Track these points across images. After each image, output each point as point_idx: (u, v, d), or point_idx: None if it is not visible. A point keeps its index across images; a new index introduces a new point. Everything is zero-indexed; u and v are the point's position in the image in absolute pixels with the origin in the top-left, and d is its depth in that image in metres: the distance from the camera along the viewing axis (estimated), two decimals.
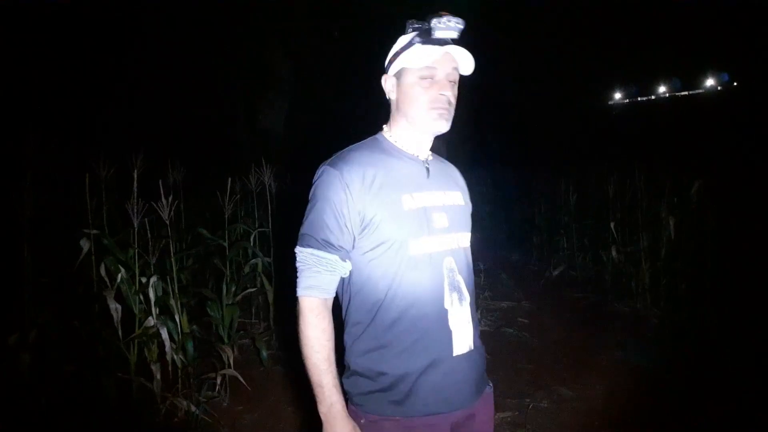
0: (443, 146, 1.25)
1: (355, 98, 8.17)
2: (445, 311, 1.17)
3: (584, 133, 15.24)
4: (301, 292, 1.16)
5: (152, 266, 2.82)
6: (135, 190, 2.73)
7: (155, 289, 2.77)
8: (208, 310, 3.14)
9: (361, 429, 1.15)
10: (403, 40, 1.24)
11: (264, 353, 3.17)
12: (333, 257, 1.15)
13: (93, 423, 2.52)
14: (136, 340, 2.72)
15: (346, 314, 1.22)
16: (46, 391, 2.54)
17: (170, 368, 2.77)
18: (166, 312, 2.83)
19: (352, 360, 1.19)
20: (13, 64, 6.04)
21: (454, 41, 1.20)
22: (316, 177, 1.20)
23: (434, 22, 1.17)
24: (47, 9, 6.55)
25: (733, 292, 3.86)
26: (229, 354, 2.94)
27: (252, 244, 3.88)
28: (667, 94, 35.50)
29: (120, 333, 2.69)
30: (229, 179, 3.51)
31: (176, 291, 2.85)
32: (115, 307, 2.65)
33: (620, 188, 4.97)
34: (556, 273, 5.70)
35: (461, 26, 1.19)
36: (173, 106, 7.96)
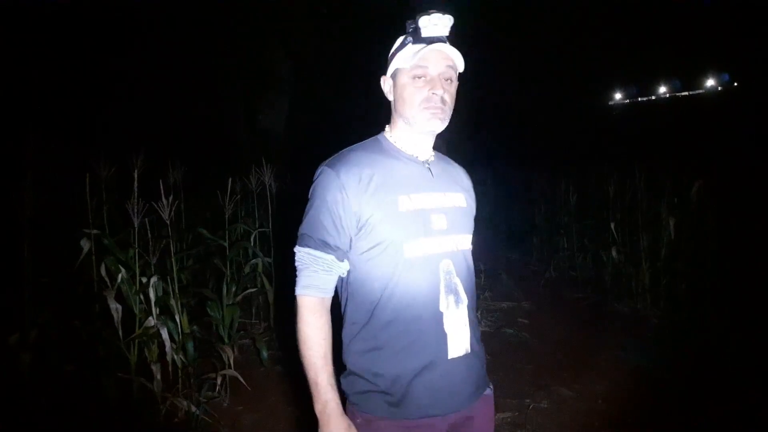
0: (443, 146, 1.25)
1: (355, 98, 8.16)
2: (440, 314, 1.17)
3: (584, 133, 15.25)
4: (299, 291, 1.17)
5: (152, 266, 2.82)
6: (135, 190, 2.73)
7: (155, 289, 2.77)
8: (209, 310, 3.14)
9: (357, 428, 1.16)
10: (398, 41, 1.24)
11: (264, 353, 3.18)
12: (329, 257, 1.16)
13: (93, 423, 2.52)
14: (136, 340, 2.72)
15: (344, 313, 1.22)
16: (46, 391, 2.54)
17: (170, 368, 2.77)
18: (166, 312, 2.83)
19: (349, 360, 1.19)
20: (13, 64, 6.04)
21: (448, 39, 1.20)
22: (314, 177, 1.21)
23: (422, 20, 1.17)
24: (47, 9, 6.55)
25: (733, 292, 3.86)
26: (229, 354, 2.94)
27: (252, 244, 3.88)
28: (668, 95, 35.54)
29: (120, 333, 2.69)
30: (230, 179, 3.51)
31: (176, 291, 2.85)
32: (115, 307, 2.65)
33: (620, 188, 4.97)
34: (556, 273, 5.70)
35: (450, 23, 1.19)
36: (173, 106, 7.95)
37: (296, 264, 1.19)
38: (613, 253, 4.74)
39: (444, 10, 1.18)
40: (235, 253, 3.67)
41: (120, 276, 2.72)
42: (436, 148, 1.32)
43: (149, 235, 2.81)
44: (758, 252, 3.90)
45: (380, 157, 1.22)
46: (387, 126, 1.30)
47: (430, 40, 1.17)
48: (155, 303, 2.77)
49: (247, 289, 3.68)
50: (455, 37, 1.21)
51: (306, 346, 1.14)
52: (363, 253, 1.16)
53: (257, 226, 4.08)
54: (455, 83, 1.23)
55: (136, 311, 2.75)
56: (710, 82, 33.79)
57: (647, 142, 12.55)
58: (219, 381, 2.93)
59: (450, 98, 1.21)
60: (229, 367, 2.92)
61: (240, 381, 2.93)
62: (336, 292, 1.22)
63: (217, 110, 8.63)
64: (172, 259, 2.86)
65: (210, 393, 2.94)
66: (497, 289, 5.11)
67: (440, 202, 1.22)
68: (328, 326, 1.17)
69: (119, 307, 2.67)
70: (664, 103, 33.07)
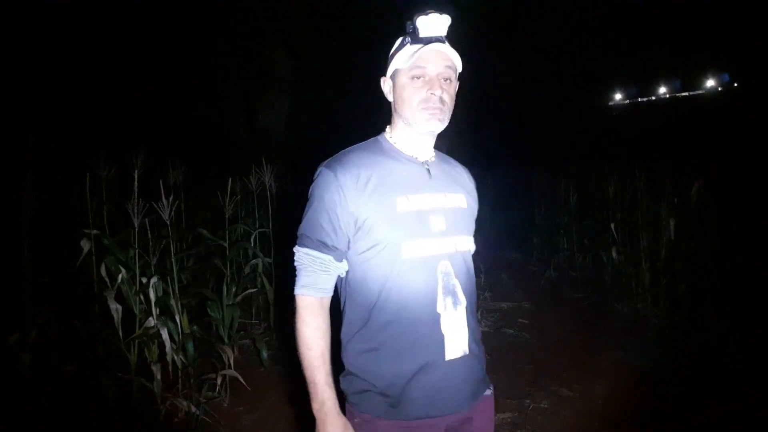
0: (443, 146, 1.25)
1: (355, 98, 8.16)
2: (438, 315, 1.16)
3: (584, 133, 15.25)
4: (298, 290, 1.18)
5: (153, 266, 2.82)
6: (135, 190, 2.73)
7: (156, 290, 2.77)
8: (209, 310, 3.14)
9: (354, 427, 1.16)
10: (397, 42, 1.24)
11: (264, 354, 3.17)
12: (327, 257, 1.16)
13: (93, 423, 2.52)
14: (136, 341, 2.72)
15: (343, 313, 1.23)
16: (46, 391, 2.54)
17: (170, 368, 2.77)
18: (166, 312, 2.83)
19: (347, 359, 1.20)
20: (13, 64, 6.04)
21: (447, 39, 1.20)
22: (314, 177, 1.21)
23: (420, 20, 1.17)
24: (47, 9, 6.55)
25: (733, 292, 3.86)
26: (229, 354, 2.94)
27: (252, 244, 3.88)
28: (668, 95, 35.54)
29: (120, 333, 2.68)
30: (230, 179, 3.51)
31: (177, 291, 2.85)
32: (115, 308, 2.65)
33: (620, 188, 4.97)
34: (556, 273, 5.70)
35: (447, 23, 1.18)
36: (173, 106, 7.95)
37: (295, 264, 1.20)
38: (613, 253, 4.74)
39: (442, 10, 1.18)
40: (236, 254, 3.67)
41: (120, 276, 2.72)
42: (437, 148, 1.32)
43: (149, 235, 2.81)
44: (758, 252, 3.90)
45: (379, 158, 1.22)
46: (387, 127, 1.30)
47: (427, 40, 1.16)
48: (155, 303, 2.77)
49: (247, 289, 3.68)
50: (454, 37, 1.21)
51: (304, 346, 1.15)
52: (361, 253, 1.16)
53: (257, 226, 4.08)
54: (455, 83, 1.23)
55: (136, 311, 2.75)
56: (710, 83, 33.81)
57: (647, 142, 12.56)
58: (219, 381, 2.92)
59: (449, 98, 1.21)
60: (229, 368, 2.92)
61: (240, 381, 2.92)
62: (336, 291, 1.23)
63: (217, 110, 8.63)
64: (172, 260, 2.86)
65: (210, 393, 2.94)
66: (497, 289, 5.11)
67: (440, 203, 1.21)
68: (326, 326, 1.17)
69: (119, 307, 2.67)
70: (664, 103, 33.08)
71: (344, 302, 1.22)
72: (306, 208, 1.20)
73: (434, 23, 1.17)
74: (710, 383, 2.94)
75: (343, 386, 1.19)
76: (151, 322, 2.73)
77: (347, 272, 1.20)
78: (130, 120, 7.40)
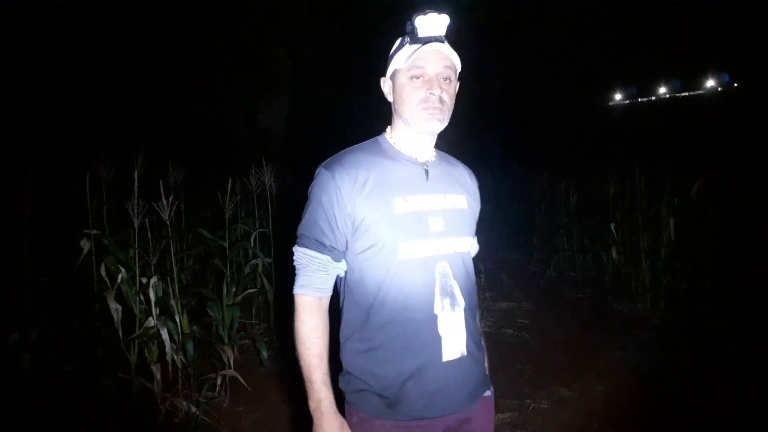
0: (444, 146, 1.25)
1: (355, 98, 8.16)
2: (435, 316, 1.16)
3: (584, 133, 15.25)
4: (296, 290, 1.18)
5: (153, 266, 2.82)
6: (135, 190, 2.73)
7: (155, 290, 2.77)
8: (209, 310, 3.14)
9: (352, 427, 1.16)
10: (396, 42, 1.24)
11: (264, 354, 3.17)
12: (325, 258, 1.17)
13: (93, 423, 2.52)
14: (136, 341, 2.72)
15: (341, 313, 1.23)
16: (46, 391, 2.54)
17: (170, 369, 2.76)
18: (166, 312, 2.83)
19: (345, 359, 1.20)
20: (14, 64, 6.04)
21: (447, 38, 1.20)
22: (313, 177, 1.21)
23: (418, 20, 1.17)
24: (47, 9, 6.55)
25: (733, 292, 3.86)
26: (229, 354, 2.94)
27: (252, 244, 3.88)
28: (668, 95, 35.54)
29: (120, 333, 2.68)
30: (230, 179, 3.51)
31: (177, 291, 2.85)
32: (115, 308, 2.65)
33: (620, 188, 4.97)
34: (556, 273, 5.70)
35: (446, 23, 1.18)
36: (173, 106, 7.96)
37: (294, 263, 1.20)
38: (613, 253, 4.74)
39: (440, 10, 1.17)
40: (235, 254, 3.67)
41: (120, 276, 2.72)
42: (438, 147, 1.31)
43: (149, 235, 2.81)
44: (758, 252, 3.90)
45: (378, 159, 1.21)
46: (388, 127, 1.30)
47: (426, 40, 1.16)
48: (155, 303, 2.77)
49: (247, 289, 3.68)
50: (454, 37, 1.21)
51: (302, 345, 1.15)
52: (359, 254, 1.16)
53: (257, 226, 4.08)
54: (454, 83, 1.22)
55: (136, 311, 2.75)
56: (710, 83, 33.81)
57: (647, 142, 12.54)
58: (219, 381, 2.92)
59: (449, 98, 1.20)
60: (229, 368, 2.92)
61: (240, 381, 2.93)
62: (336, 291, 1.23)
63: (217, 110, 8.64)
64: (172, 260, 2.86)
65: (210, 393, 2.94)
66: (497, 289, 5.12)
67: (438, 203, 1.21)
68: (325, 325, 1.18)
69: (119, 307, 2.67)
70: (664, 103, 33.07)
71: (343, 302, 1.22)
72: (305, 208, 1.20)
73: (433, 23, 1.17)
74: (710, 383, 2.94)
75: (341, 385, 1.20)
76: (151, 322, 2.73)
77: (346, 272, 1.20)
78: (130, 120, 7.41)
